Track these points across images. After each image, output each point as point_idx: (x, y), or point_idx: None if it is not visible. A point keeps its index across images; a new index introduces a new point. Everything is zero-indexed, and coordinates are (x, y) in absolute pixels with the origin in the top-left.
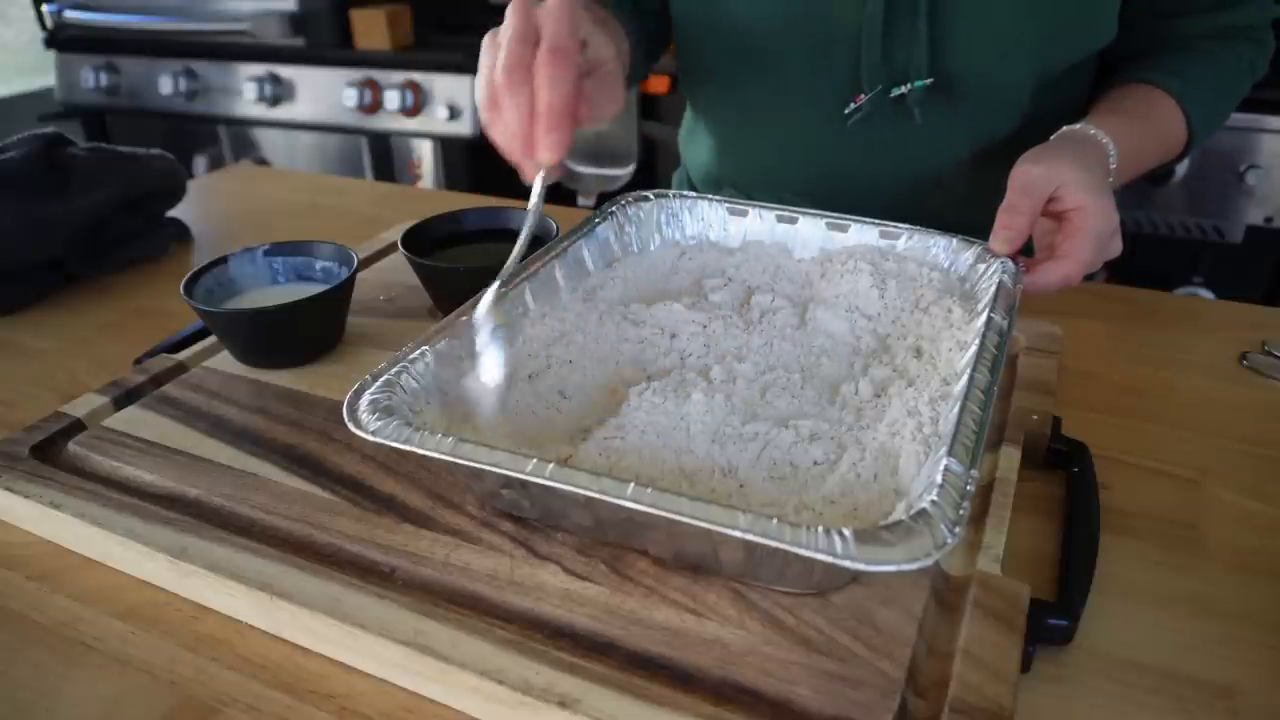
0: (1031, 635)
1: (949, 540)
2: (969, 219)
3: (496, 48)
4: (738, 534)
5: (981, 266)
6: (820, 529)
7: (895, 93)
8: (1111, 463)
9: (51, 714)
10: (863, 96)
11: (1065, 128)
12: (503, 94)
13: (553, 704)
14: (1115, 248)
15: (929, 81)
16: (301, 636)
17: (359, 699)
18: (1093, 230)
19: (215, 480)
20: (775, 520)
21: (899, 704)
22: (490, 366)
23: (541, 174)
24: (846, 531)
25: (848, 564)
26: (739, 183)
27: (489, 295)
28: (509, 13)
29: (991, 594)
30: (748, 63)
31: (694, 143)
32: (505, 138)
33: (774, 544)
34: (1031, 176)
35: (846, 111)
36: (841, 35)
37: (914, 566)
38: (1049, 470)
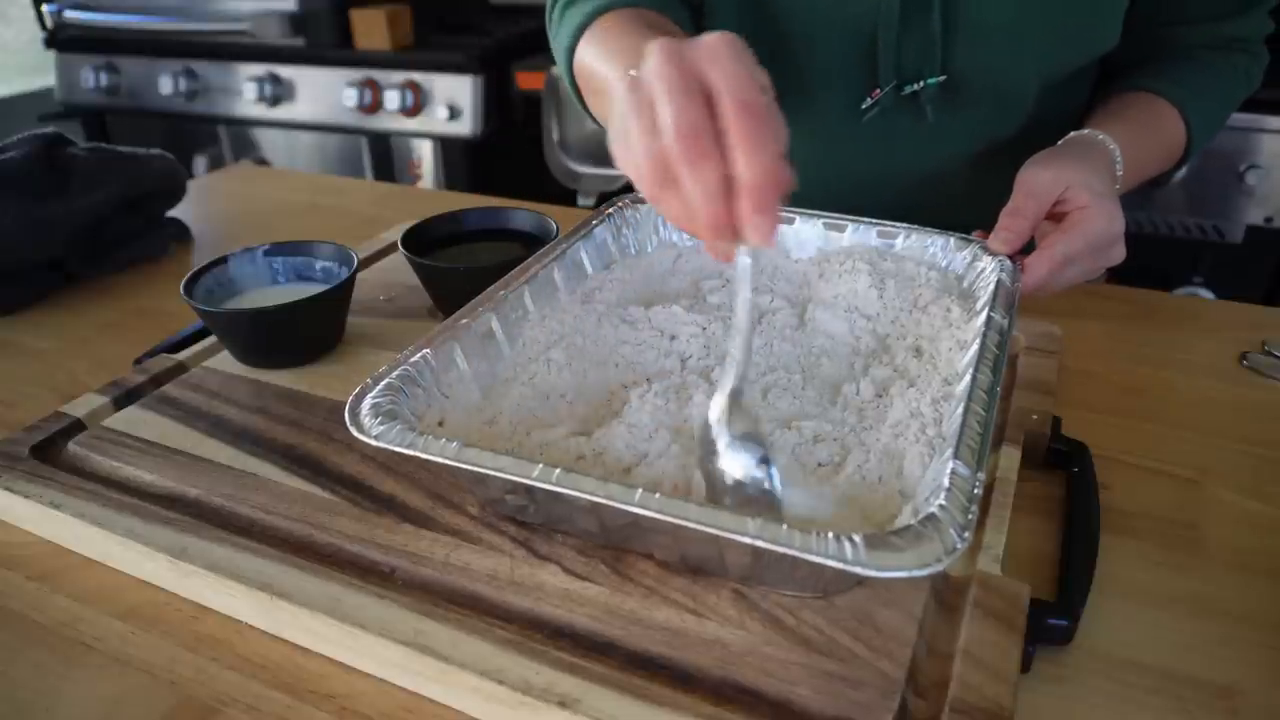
0: (1031, 635)
1: (959, 545)
2: (971, 218)
3: (646, 104)
4: (747, 540)
5: (979, 265)
6: (830, 534)
7: (908, 90)
8: (1111, 463)
9: (51, 714)
10: (879, 91)
11: (1072, 133)
12: (683, 166)
13: (553, 704)
14: (1117, 255)
15: (942, 79)
16: (301, 636)
17: (359, 699)
18: (1088, 231)
19: (215, 480)
20: (785, 526)
21: (899, 704)
22: (742, 467)
23: (744, 253)
24: (857, 537)
25: (858, 570)
26: None
27: (719, 403)
28: (657, 57)
29: (991, 594)
30: (770, 55)
31: None
32: (683, 216)
33: (784, 550)
34: (1039, 180)
35: (864, 106)
36: (858, 30)
37: (925, 572)
38: (1049, 470)
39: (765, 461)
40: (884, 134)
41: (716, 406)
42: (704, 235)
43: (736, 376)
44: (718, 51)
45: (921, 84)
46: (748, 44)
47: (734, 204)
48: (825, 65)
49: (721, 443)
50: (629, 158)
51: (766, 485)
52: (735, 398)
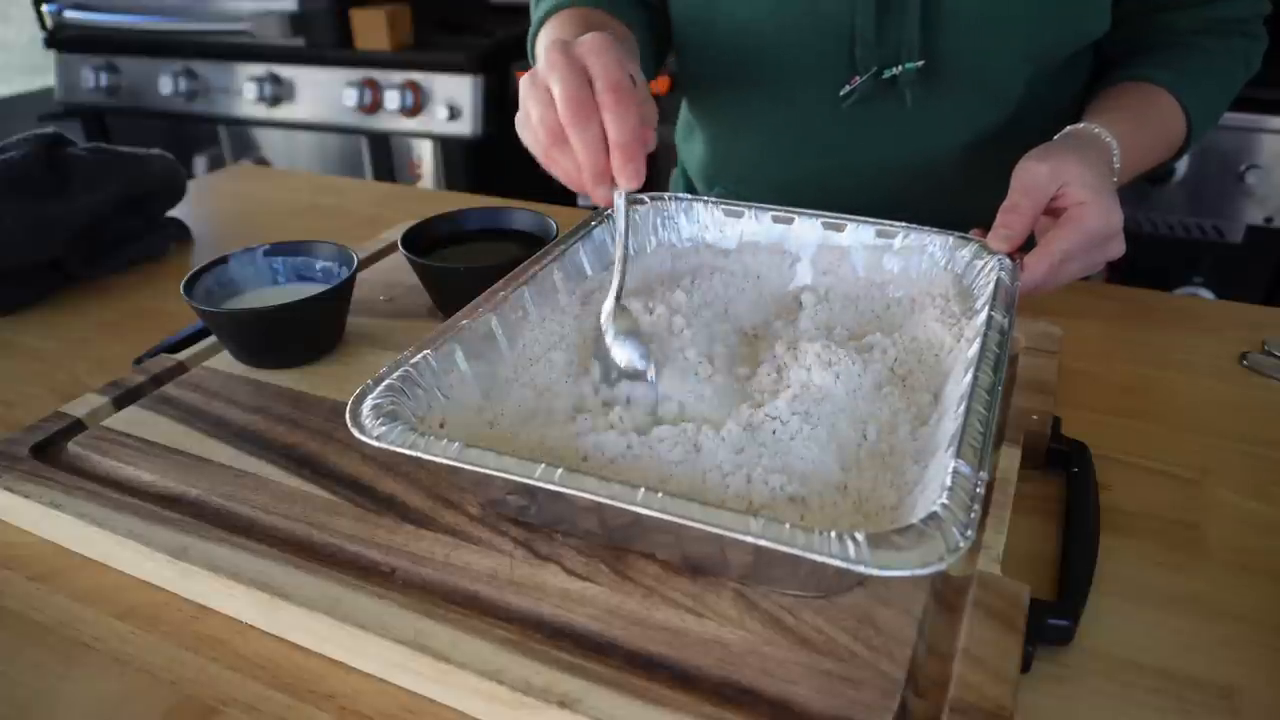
0: (1031, 635)
1: (961, 544)
2: (963, 211)
3: (541, 88)
4: (749, 539)
5: (979, 264)
6: (833, 533)
7: (887, 74)
8: (1111, 463)
9: (51, 714)
10: (858, 78)
11: (1069, 127)
12: (570, 129)
13: (553, 704)
14: (1116, 249)
15: (920, 64)
16: (301, 636)
17: (359, 699)
18: (1086, 228)
19: (215, 480)
20: (788, 525)
21: (899, 704)
22: (626, 358)
23: (621, 196)
24: (859, 536)
25: (861, 569)
26: (737, 175)
27: (607, 307)
28: (548, 54)
29: (991, 594)
30: (743, 49)
31: (691, 139)
32: (572, 170)
33: (786, 549)
34: (1035, 175)
35: (842, 94)
36: (836, 16)
37: (927, 571)
38: (1049, 470)
39: (644, 355)
40: (868, 122)
41: (605, 310)
42: (588, 183)
43: (618, 287)
44: (595, 47)
45: (900, 69)
46: (708, 40)
47: (609, 160)
48: (802, 53)
49: (609, 337)
50: (529, 129)
51: (643, 368)
52: (619, 304)
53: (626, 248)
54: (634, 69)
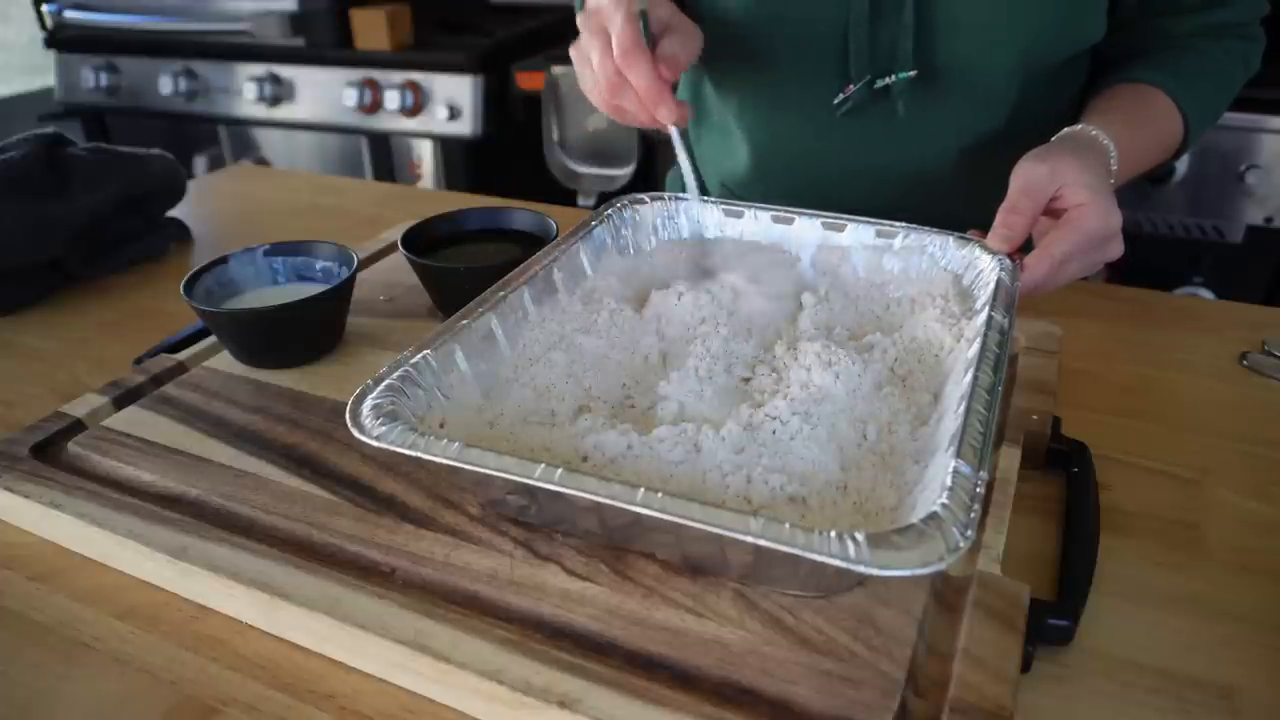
0: (1031, 635)
1: (961, 544)
2: (959, 215)
3: (584, 59)
4: (749, 539)
5: (979, 264)
6: (833, 533)
7: (880, 84)
8: (1111, 463)
9: (51, 714)
10: (852, 87)
11: (1066, 129)
12: (616, 98)
13: (553, 704)
14: (1114, 250)
15: (913, 74)
16: (301, 636)
17: (359, 699)
18: (1085, 229)
19: (215, 480)
20: (788, 525)
21: (899, 704)
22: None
23: (670, 128)
24: (859, 536)
25: (861, 569)
26: (738, 180)
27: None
28: (580, 27)
29: (991, 594)
30: (739, 56)
31: (698, 134)
32: (634, 120)
33: (786, 549)
34: (1035, 176)
35: (835, 102)
36: (829, 25)
37: (928, 571)
38: (1049, 470)
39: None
40: (863, 131)
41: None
42: (649, 124)
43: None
44: (609, 13)
45: (893, 78)
46: (720, 43)
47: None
48: (800, 61)
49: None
50: (593, 95)
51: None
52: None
53: (692, 161)
54: (657, 4)
